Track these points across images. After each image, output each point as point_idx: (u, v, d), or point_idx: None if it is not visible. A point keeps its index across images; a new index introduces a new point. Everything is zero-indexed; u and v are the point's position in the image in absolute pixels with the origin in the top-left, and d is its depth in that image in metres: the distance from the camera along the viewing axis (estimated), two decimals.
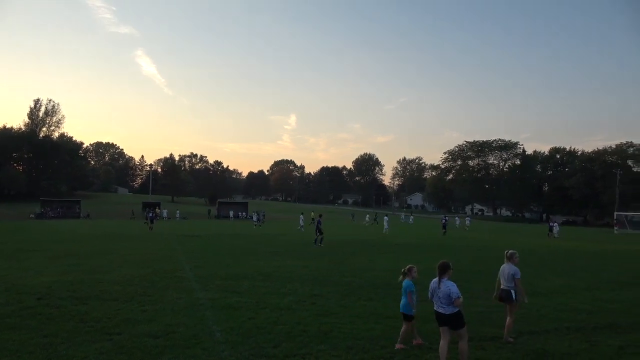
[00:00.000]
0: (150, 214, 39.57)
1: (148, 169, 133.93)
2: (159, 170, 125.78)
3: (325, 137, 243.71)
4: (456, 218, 59.33)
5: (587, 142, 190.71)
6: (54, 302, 9.47)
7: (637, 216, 65.94)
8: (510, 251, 7.71)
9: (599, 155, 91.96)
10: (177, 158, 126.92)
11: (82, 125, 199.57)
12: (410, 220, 65.28)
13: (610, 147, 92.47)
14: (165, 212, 64.97)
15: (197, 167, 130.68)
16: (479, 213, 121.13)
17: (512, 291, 7.37)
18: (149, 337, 7.10)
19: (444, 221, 41.24)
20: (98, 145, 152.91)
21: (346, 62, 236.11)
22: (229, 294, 10.58)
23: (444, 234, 37.06)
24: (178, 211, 67.16)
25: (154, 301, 9.65)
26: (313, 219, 48.93)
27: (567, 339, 7.48)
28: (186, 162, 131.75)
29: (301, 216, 43.07)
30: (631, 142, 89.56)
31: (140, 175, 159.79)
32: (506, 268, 7.51)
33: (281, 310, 9.03)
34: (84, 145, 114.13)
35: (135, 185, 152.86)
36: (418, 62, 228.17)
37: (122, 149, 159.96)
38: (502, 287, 7.53)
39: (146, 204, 68.98)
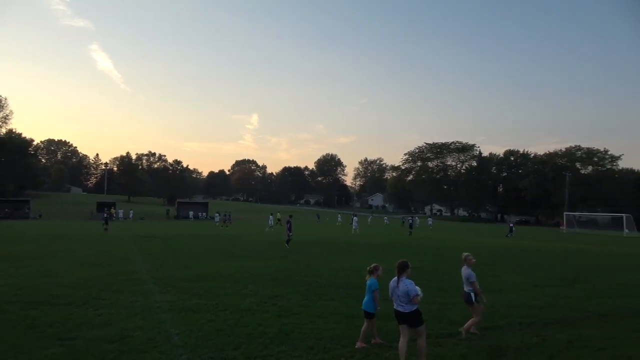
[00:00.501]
0: (105, 214, 38.24)
1: (103, 167, 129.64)
2: (115, 169, 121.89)
3: (287, 137, 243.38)
4: (416, 218, 60.89)
5: (539, 145, 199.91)
6: (1, 306, 9.00)
7: (584, 216, 69.56)
8: (464, 254, 7.93)
9: (550, 158, 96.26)
10: (134, 157, 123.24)
11: (32, 122, 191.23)
12: (385, 220, 66.66)
13: (561, 150, 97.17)
14: (121, 213, 63.00)
15: (155, 166, 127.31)
16: (438, 213, 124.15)
17: (472, 293, 7.59)
18: (104, 341, 6.87)
19: (410, 221, 42.26)
20: (50, 142, 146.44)
21: (310, 63, 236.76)
22: (187, 296, 10.38)
23: (410, 234, 37.67)
24: (131, 211, 65.25)
25: (109, 305, 9.35)
26: (279, 219, 49.00)
27: (519, 335, 7.79)
28: (144, 161, 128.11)
29: (270, 216, 43.01)
30: (579, 145, 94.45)
31: (95, 174, 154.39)
32: (463, 271, 7.74)
33: (242, 311, 8.95)
34: (35, 143, 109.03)
35: (90, 185, 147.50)
36: (380, 64, 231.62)
37: (76, 147, 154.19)
38: (464, 290, 7.76)
39: (101, 203, 66.67)
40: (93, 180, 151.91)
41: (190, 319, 8.33)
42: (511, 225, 44.18)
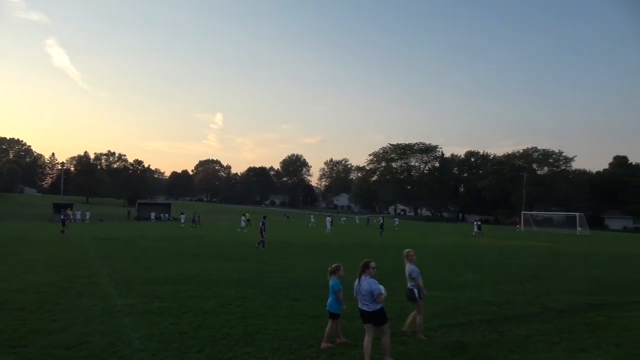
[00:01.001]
0: (62, 216, 36.82)
1: (59, 167, 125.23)
2: (72, 169, 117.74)
3: (252, 137, 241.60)
4: (381, 218, 61.81)
5: (498, 147, 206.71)
6: None
7: (540, 215, 72.25)
8: (405, 250, 7.89)
9: (509, 159, 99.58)
10: (92, 156, 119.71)
11: None
12: (357, 220, 67.13)
13: (519, 151, 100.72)
14: (78, 214, 60.65)
15: (115, 166, 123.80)
16: (402, 213, 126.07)
17: (415, 290, 7.63)
18: (60, 348, 6.60)
19: (381, 221, 43.02)
20: (1, 141, 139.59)
21: (275, 62, 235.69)
22: (149, 299, 10.11)
23: (380, 234, 38.22)
24: (88, 212, 62.66)
25: (65, 309, 8.98)
26: (248, 220, 48.73)
27: (479, 331, 8.00)
28: (103, 160, 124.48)
29: (243, 217, 42.69)
30: (536, 147, 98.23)
31: (50, 174, 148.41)
32: (407, 268, 7.76)
33: (205, 314, 8.79)
34: None
35: (45, 185, 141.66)
36: (345, 65, 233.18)
37: (30, 146, 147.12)
38: (407, 287, 7.78)
39: (57, 205, 64.10)
40: (48, 180, 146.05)
41: (152, 322, 8.12)
42: (478, 223, 45.90)
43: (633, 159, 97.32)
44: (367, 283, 6.19)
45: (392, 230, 49.44)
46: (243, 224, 40.92)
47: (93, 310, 8.98)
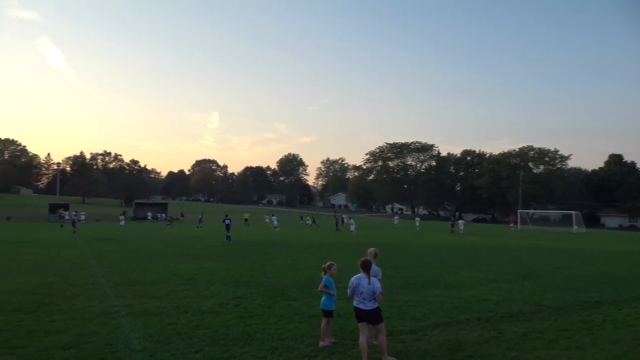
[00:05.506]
0: (73, 216, 36.82)
1: (55, 167, 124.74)
2: (68, 169, 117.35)
3: (249, 137, 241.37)
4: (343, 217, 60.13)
5: (494, 145, 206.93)
6: None
7: (537, 213, 72.40)
8: (370, 249, 7.41)
9: (505, 158, 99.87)
10: (88, 156, 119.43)
11: None
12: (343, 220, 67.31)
13: (514, 150, 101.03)
14: (73, 214, 60.07)
15: (111, 166, 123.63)
16: (399, 212, 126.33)
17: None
18: (58, 349, 6.58)
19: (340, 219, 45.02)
20: None
21: (270, 62, 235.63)
22: (146, 299, 10.09)
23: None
24: (83, 213, 61.15)
25: (62, 310, 8.95)
26: (246, 219, 49.26)
27: (477, 329, 8.02)
28: (99, 160, 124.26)
29: (274, 217, 43.64)
30: (531, 145, 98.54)
31: (46, 174, 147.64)
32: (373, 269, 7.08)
33: (203, 313, 8.78)
34: None
35: (41, 186, 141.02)
36: (341, 64, 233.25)
37: (25, 146, 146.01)
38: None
39: (54, 205, 63.76)
40: (44, 180, 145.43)
41: (149, 322, 8.11)
42: (453, 221, 46.67)
43: (628, 158, 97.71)
44: (371, 282, 6.19)
45: (393, 229, 49.51)
46: (275, 222, 41.51)
47: (90, 311, 8.96)
